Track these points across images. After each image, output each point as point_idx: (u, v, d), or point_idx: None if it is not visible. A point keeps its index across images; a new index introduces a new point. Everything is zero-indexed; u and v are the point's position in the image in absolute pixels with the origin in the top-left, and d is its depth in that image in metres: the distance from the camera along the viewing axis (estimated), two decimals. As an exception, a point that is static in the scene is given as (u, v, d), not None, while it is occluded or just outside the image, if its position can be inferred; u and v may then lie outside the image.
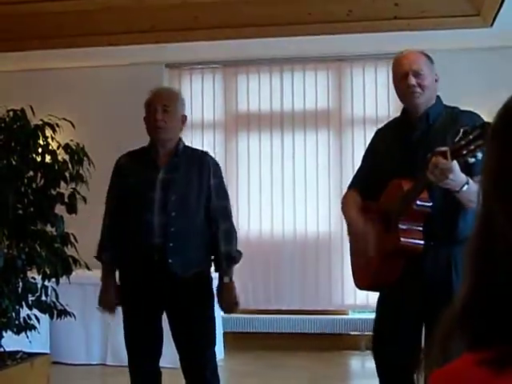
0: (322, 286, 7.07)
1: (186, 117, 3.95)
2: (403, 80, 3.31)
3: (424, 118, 3.33)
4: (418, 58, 3.37)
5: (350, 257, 3.69)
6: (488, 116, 3.14)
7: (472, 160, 2.79)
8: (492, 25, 5.71)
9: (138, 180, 3.83)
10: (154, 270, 3.66)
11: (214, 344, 3.87)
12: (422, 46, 6.42)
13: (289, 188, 7.15)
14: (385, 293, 3.45)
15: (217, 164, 3.93)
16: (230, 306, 3.85)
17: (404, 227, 3.19)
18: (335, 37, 6.21)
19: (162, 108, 3.79)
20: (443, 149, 2.84)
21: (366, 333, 6.86)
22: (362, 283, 3.60)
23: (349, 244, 3.68)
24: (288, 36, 6.19)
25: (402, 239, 3.18)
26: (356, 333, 6.99)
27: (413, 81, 3.27)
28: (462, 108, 3.41)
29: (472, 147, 2.76)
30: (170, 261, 3.63)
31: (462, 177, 2.91)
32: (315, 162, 7.15)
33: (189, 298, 3.70)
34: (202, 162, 3.83)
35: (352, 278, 3.64)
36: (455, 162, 2.84)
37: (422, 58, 3.37)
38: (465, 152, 2.78)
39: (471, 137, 2.75)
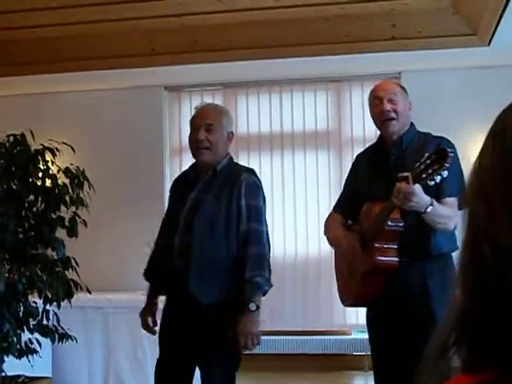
0: (323, 306, 7.04)
1: (232, 133, 3.71)
2: (379, 106, 3.49)
3: (398, 143, 3.52)
4: (392, 86, 3.60)
5: (336, 274, 3.81)
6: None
7: (431, 183, 3.00)
8: (489, 44, 5.73)
9: (175, 198, 3.73)
10: (178, 296, 3.53)
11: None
12: (420, 65, 6.49)
13: (289, 208, 7.15)
14: (369, 311, 3.63)
15: (253, 184, 3.59)
16: (246, 338, 3.36)
17: (379, 246, 3.35)
18: (334, 58, 6.24)
19: (205, 127, 3.57)
20: (405, 174, 3.05)
21: (369, 353, 6.82)
22: (345, 300, 3.74)
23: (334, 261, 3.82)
24: (287, 57, 6.22)
25: (378, 258, 3.34)
26: (359, 353, 6.96)
27: (388, 106, 3.46)
28: (439, 132, 3.62)
29: (430, 171, 2.96)
30: (191, 286, 3.43)
31: (426, 199, 3.11)
32: (316, 182, 7.15)
33: (207, 331, 3.44)
34: (234, 181, 3.53)
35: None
36: (418, 185, 3.03)
37: (395, 86, 3.59)
38: (424, 176, 2.98)
39: (428, 162, 2.96)
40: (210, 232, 3.49)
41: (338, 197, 3.91)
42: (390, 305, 3.40)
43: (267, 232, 3.58)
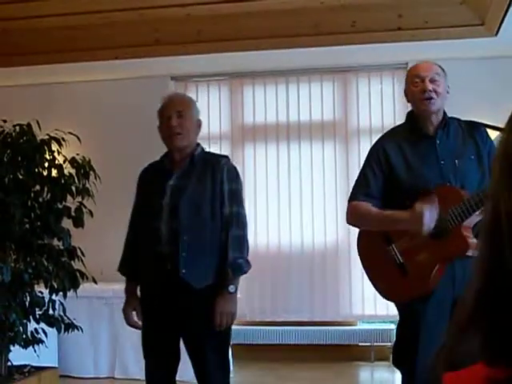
0: (329, 297, 7.05)
1: (201, 121, 3.85)
2: (420, 85, 3.39)
3: (443, 127, 3.41)
4: (434, 66, 3.50)
5: (373, 271, 3.54)
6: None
7: None
8: (497, 34, 5.71)
9: (150, 188, 3.74)
10: (168, 281, 3.53)
11: (228, 367, 3.69)
12: (427, 56, 6.44)
13: (295, 199, 7.14)
14: (411, 304, 3.35)
15: (233, 168, 3.72)
16: (223, 317, 3.47)
17: (471, 234, 3.22)
18: (340, 48, 6.22)
19: (177, 114, 3.67)
20: None
21: (375, 343, 6.84)
22: (399, 298, 3.49)
23: (366, 258, 3.56)
24: (293, 48, 6.21)
25: (471, 239, 3.19)
26: (365, 343, 6.97)
27: (430, 86, 3.37)
28: (465, 118, 3.51)
29: None
30: (182, 271, 3.47)
31: None
32: (322, 172, 7.14)
33: (203, 314, 3.48)
34: (215, 167, 3.65)
35: (377, 291, 3.54)
36: None
37: (437, 67, 3.50)
38: None
39: None
40: (197, 216, 3.56)
41: (356, 187, 3.53)
42: (444, 294, 3.21)
43: (245, 215, 3.71)
